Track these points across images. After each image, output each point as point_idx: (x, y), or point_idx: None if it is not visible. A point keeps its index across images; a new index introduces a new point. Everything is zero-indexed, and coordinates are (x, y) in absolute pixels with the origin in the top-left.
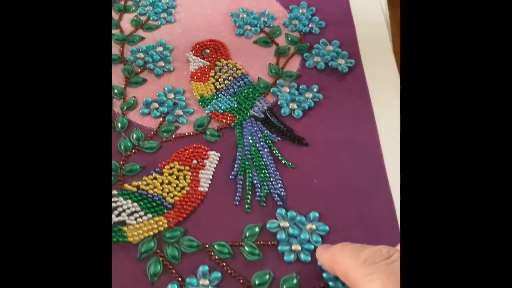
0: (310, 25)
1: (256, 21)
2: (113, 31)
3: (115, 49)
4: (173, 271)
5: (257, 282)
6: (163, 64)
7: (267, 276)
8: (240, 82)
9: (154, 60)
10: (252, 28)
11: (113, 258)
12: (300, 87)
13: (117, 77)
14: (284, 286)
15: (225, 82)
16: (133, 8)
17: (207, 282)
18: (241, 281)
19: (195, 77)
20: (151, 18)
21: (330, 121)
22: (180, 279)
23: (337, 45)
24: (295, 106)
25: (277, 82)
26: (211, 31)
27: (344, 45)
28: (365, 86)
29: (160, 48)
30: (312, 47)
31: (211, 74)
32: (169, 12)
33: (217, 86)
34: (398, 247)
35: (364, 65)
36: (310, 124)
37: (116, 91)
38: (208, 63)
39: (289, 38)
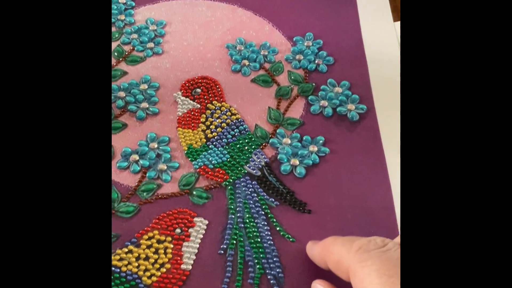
0: (316, 61)
1: (255, 55)
2: None
3: None
4: None
5: None
6: (147, 106)
7: None
8: (235, 130)
9: (137, 101)
10: (251, 64)
11: None
12: (304, 138)
13: None
14: None
15: (217, 130)
16: (116, 36)
17: None
18: None
19: (183, 122)
20: (136, 49)
21: (337, 182)
22: None
23: (347, 87)
24: (297, 162)
25: (277, 132)
26: (203, 66)
27: (355, 86)
28: (379, 139)
29: (144, 86)
30: (318, 88)
31: (201, 119)
32: (156, 41)
33: (208, 135)
34: (395, 239)
35: (378, 112)
36: (314, 186)
37: None
38: (199, 106)
39: (292, 77)
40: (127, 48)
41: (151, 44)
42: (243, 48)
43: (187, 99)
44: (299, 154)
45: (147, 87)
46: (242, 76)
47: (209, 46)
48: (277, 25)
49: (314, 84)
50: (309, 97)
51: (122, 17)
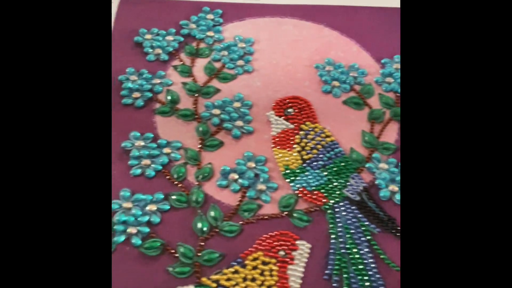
0: None
1: (345, 77)
2: (186, 79)
3: (187, 103)
4: None
5: None
6: (242, 124)
7: None
8: (330, 153)
9: (231, 119)
10: (341, 85)
11: None
12: (400, 164)
13: (191, 137)
14: None
15: (313, 151)
16: (207, 52)
17: None
18: None
19: (278, 142)
20: (226, 66)
21: None
22: None
23: None
24: (396, 189)
25: (373, 156)
26: (294, 85)
27: None
28: None
29: (237, 104)
30: None
31: (296, 140)
32: (246, 59)
33: (304, 156)
34: None
35: None
36: None
37: (190, 154)
38: (293, 126)
39: (383, 100)
40: (217, 65)
41: (241, 62)
42: (332, 69)
43: (281, 119)
44: (396, 180)
45: (240, 105)
46: (333, 98)
47: (297, 66)
48: (364, 46)
49: None
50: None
51: (211, 33)
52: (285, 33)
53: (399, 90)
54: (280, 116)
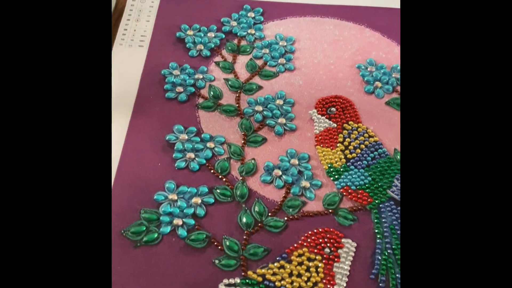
0: None
1: (387, 78)
2: (228, 76)
3: (230, 99)
4: None
5: None
6: (284, 121)
7: None
8: (374, 153)
9: (274, 116)
10: (384, 86)
11: None
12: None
13: (234, 133)
14: None
15: (356, 151)
16: (248, 50)
17: None
18: None
19: (321, 140)
20: (268, 64)
21: None
22: None
23: None
24: None
25: None
26: (336, 85)
27: None
28: None
29: (280, 101)
30: None
31: (339, 139)
32: (287, 57)
33: (347, 155)
34: None
35: None
36: None
37: (233, 149)
38: (335, 125)
39: None
40: (259, 62)
41: (282, 60)
42: (374, 70)
43: (323, 117)
44: None
45: (282, 102)
46: (376, 98)
47: (339, 66)
48: None
49: None
50: None
51: (252, 31)
52: (326, 33)
53: None
54: (322, 115)
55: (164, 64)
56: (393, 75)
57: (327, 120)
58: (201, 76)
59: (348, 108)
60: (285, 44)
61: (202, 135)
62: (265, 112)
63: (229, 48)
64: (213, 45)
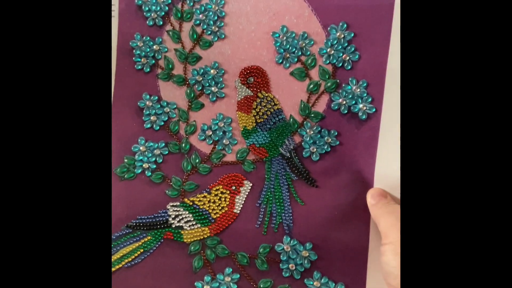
0: (343, 56)
1: (294, 48)
2: (176, 46)
3: (179, 69)
4: (209, 268)
5: (261, 286)
6: (216, 90)
7: (269, 283)
8: (276, 118)
9: (209, 85)
10: (290, 56)
11: (171, 252)
12: (322, 131)
13: (182, 99)
14: None
15: (264, 116)
16: (189, 16)
17: (229, 279)
18: (252, 283)
19: (241, 107)
20: (205, 32)
21: (338, 168)
22: (213, 274)
23: (364, 86)
24: (315, 149)
25: (304, 123)
26: (254, 55)
27: (371, 86)
28: (376, 139)
29: (214, 71)
30: (340, 85)
31: (253, 106)
32: (219, 24)
33: (257, 120)
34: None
35: (383, 114)
36: (324, 169)
37: (181, 113)
38: (252, 93)
39: (321, 72)
40: (198, 30)
41: (215, 28)
42: (285, 38)
43: (244, 86)
44: (317, 143)
45: (216, 72)
46: (284, 69)
47: (258, 33)
48: (315, 9)
49: (338, 80)
50: (332, 94)
51: None
52: None
53: (337, 63)
54: (243, 84)
55: (131, 34)
56: (299, 44)
57: (246, 89)
58: (158, 48)
59: (262, 78)
60: (216, 8)
61: (161, 102)
62: (203, 82)
63: (176, 14)
64: (163, 13)
